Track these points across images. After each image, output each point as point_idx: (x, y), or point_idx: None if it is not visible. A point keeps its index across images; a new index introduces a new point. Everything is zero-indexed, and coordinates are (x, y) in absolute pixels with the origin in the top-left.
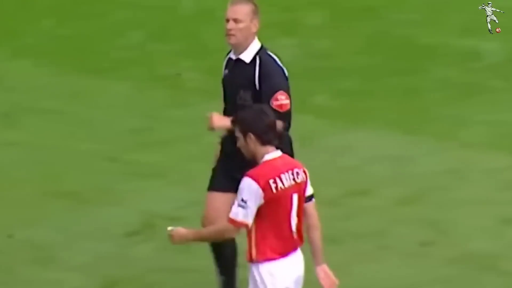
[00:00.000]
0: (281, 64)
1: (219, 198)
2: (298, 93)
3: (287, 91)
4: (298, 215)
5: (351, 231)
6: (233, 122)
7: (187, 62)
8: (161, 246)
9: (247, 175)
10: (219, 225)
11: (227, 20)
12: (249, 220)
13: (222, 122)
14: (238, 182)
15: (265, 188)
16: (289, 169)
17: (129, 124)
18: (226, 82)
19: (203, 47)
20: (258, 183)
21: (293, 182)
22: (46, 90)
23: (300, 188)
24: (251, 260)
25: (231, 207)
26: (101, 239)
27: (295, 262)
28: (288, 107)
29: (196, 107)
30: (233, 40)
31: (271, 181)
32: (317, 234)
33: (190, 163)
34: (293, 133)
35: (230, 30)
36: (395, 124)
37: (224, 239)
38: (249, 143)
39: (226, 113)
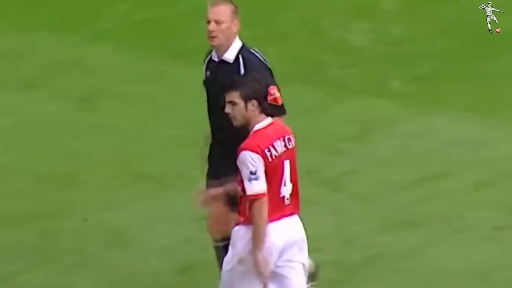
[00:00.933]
0: (263, 60)
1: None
2: (374, 78)
3: (276, 84)
4: (293, 181)
5: (427, 215)
6: (232, 87)
7: (264, 48)
8: None
9: (243, 149)
10: (251, 213)
11: (208, 22)
12: (265, 188)
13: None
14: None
15: (263, 156)
16: (280, 136)
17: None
18: (209, 84)
19: (279, 32)
20: (257, 152)
21: (284, 149)
22: (124, 74)
23: (291, 153)
24: (241, 222)
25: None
26: (178, 223)
27: (287, 226)
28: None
29: None
30: (215, 41)
31: (266, 150)
32: None
33: None
34: (370, 117)
35: (212, 31)
36: (471, 109)
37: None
38: (249, 110)
39: (210, 115)
